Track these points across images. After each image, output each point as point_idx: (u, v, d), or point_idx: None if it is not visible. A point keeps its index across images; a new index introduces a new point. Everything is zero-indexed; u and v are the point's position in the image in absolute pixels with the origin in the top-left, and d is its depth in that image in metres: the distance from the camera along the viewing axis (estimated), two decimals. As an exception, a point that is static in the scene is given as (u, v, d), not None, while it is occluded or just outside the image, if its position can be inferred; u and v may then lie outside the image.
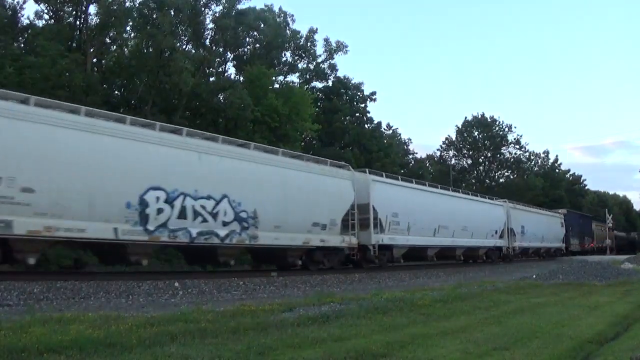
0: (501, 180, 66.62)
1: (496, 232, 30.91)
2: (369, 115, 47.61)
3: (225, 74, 35.34)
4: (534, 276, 20.40)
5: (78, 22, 28.62)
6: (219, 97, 31.32)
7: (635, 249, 64.04)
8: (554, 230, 41.25)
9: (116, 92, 30.88)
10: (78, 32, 28.46)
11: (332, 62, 42.74)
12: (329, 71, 43.17)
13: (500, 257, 31.99)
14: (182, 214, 13.83)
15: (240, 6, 32.95)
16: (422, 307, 10.28)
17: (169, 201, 13.63)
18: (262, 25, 34.39)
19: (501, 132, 66.83)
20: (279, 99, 31.01)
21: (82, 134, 12.15)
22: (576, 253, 47.44)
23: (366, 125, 46.95)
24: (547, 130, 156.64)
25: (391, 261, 22.88)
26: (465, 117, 68.29)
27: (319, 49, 41.18)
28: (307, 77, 42.14)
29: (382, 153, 44.42)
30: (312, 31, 39.70)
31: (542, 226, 38.44)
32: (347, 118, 45.14)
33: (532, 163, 70.01)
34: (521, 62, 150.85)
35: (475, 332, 8.03)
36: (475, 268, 25.83)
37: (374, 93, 47.12)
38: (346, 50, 42.05)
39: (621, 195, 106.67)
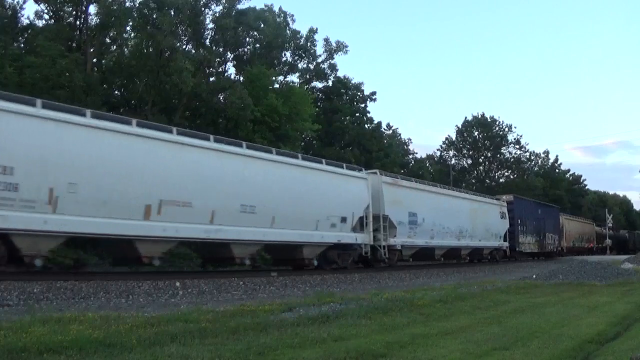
0: (501, 180, 66.65)
1: (343, 220, 18.91)
2: (369, 115, 47.64)
3: (225, 74, 35.33)
4: (534, 276, 20.41)
5: (78, 22, 28.60)
6: (219, 97, 31.31)
7: (625, 248, 62.84)
8: (486, 223, 29.03)
9: (116, 92, 30.86)
10: (78, 32, 28.43)
11: (332, 62, 42.69)
12: (329, 71, 43.12)
13: (359, 261, 20.86)
14: None
15: (240, 6, 32.95)
16: (422, 307, 10.28)
17: None
18: (262, 25, 34.35)
19: (501, 132, 66.90)
20: (279, 99, 30.99)
21: None
22: (534, 255, 37.22)
23: (366, 125, 46.93)
24: (547, 130, 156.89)
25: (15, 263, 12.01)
26: (465, 117, 68.46)
27: (319, 49, 41.17)
28: (307, 77, 42.09)
29: (382, 153, 44.41)
30: (312, 31, 39.68)
31: (461, 216, 26.42)
32: (347, 118, 45.11)
33: (532, 163, 70.09)
34: (521, 62, 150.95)
35: (475, 332, 8.03)
36: (475, 268, 25.80)
37: (374, 93, 47.15)
38: (346, 50, 42.03)
39: (621, 195, 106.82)
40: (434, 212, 24.06)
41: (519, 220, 33.46)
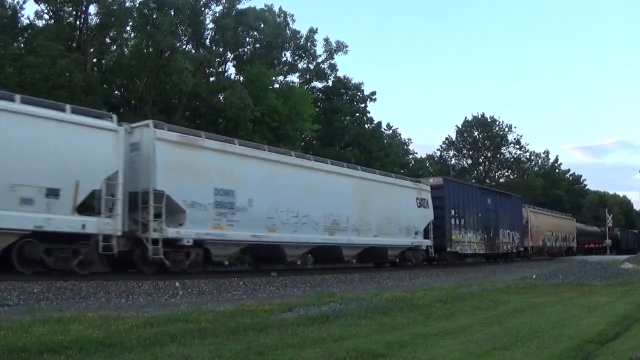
0: (501, 180, 66.68)
1: (53, 194, 11.83)
2: (369, 115, 47.68)
3: (225, 74, 35.36)
4: (534, 276, 20.41)
5: (78, 22, 28.64)
6: (219, 97, 31.33)
7: (618, 248, 60.25)
8: (391, 212, 21.02)
9: (116, 92, 30.90)
10: (78, 32, 28.47)
11: (332, 62, 42.72)
12: (329, 71, 43.14)
13: (120, 261, 13.47)
14: None
15: (240, 6, 33.00)
16: (422, 307, 10.28)
17: None
18: (262, 25, 34.37)
19: (501, 132, 66.93)
20: (279, 99, 31.02)
21: None
22: (486, 257, 30.50)
23: (366, 125, 46.96)
24: (547, 130, 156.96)
25: None
26: (465, 117, 68.47)
27: (319, 49, 41.19)
28: (307, 77, 42.12)
29: (382, 153, 44.42)
30: (312, 31, 39.69)
31: (336, 200, 18.49)
32: (347, 118, 45.14)
33: (532, 163, 70.13)
34: (521, 63, 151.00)
35: (475, 332, 8.03)
36: (475, 268, 25.79)
37: (374, 93, 47.18)
38: (346, 50, 42.04)
39: (621, 195, 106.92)
40: (275, 191, 16.20)
41: (454, 211, 25.59)
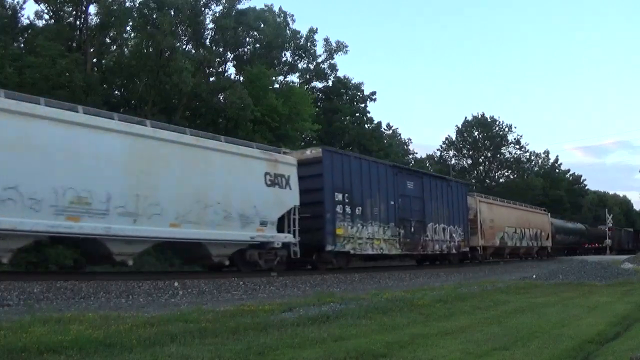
0: (501, 180, 66.68)
1: None
2: (369, 115, 47.68)
3: (225, 74, 35.35)
4: (534, 276, 20.43)
5: (78, 22, 28.62)
6: (219, 97, 31.33)
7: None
8: (220, 193, 14.50)
9: (116, 92, 30.89)
10: (78, 32, 28.45)
11: (332, 62, 42.71)
12: (329, 71, 43.13)
13: None
14: None
15: (240, 6, 33.00)
16: (422, 307, 10.29)
17: None
18: (262, 25, 34.38)
19: (501, 132, 66.96)
20: (279, 99, 31.02)
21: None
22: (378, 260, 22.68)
23: (366, 125, 46.96)
24: (547, 130, 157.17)
25: None
26: (465, 117, 68.50)
27: (319, 49, 41.17)
28: (307, 77, 42.12)
29: (382, 153, 44.40)
30: (312, 31, 39.69)
31: (99, 169, 11.85)
32: (347, 118, 45.16)
33: (532, 163, 70.14)
34: (521, 62, 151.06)
35: (475, 332, 8.04)
36: (475, 268, 25.77)
37: (374, 93, 47.16)
38: (346, 50, 42.04)
39: (621, 195, 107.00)
40: None
41: (342, 196, 18.61)
